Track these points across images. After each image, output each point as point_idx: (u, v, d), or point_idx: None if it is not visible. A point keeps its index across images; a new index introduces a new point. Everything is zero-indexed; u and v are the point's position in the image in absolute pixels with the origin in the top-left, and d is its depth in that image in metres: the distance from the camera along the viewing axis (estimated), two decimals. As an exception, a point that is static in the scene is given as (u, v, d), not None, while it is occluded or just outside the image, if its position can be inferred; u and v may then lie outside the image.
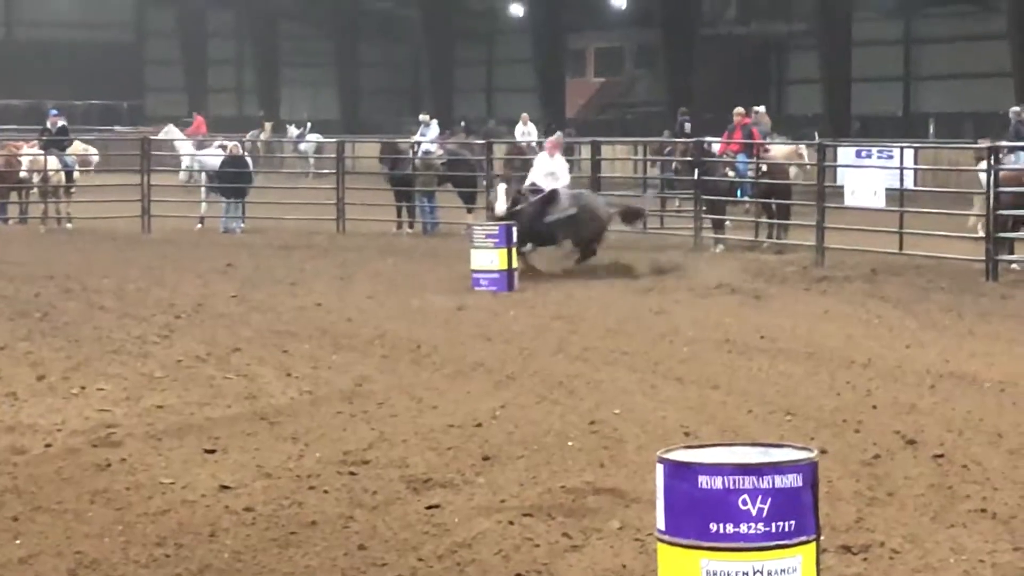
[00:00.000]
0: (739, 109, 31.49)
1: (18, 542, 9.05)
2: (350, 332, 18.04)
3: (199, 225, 34.29)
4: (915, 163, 31.94)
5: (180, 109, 70.54)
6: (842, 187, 29.37)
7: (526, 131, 42.87)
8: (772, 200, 28.99)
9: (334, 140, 40.32)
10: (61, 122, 38.44)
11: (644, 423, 12.47)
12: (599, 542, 8.91)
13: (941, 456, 11.34)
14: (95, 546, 8.94)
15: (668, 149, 36.20)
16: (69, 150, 36.62)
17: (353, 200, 34.07)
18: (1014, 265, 23.95)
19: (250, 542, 9.09)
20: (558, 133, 34.96)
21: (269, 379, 14.73)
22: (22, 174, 34.32)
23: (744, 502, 6.72)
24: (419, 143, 36.25)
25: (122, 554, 8.79)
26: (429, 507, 9.80)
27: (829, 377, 14.82)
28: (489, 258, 22.66)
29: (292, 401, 13.67)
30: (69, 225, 34.35)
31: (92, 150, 39.93)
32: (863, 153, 34.40)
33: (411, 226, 33.30)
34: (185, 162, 37.63)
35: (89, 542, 9.03)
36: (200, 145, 41.16)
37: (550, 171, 25.92)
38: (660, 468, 6.87)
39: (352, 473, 10.73)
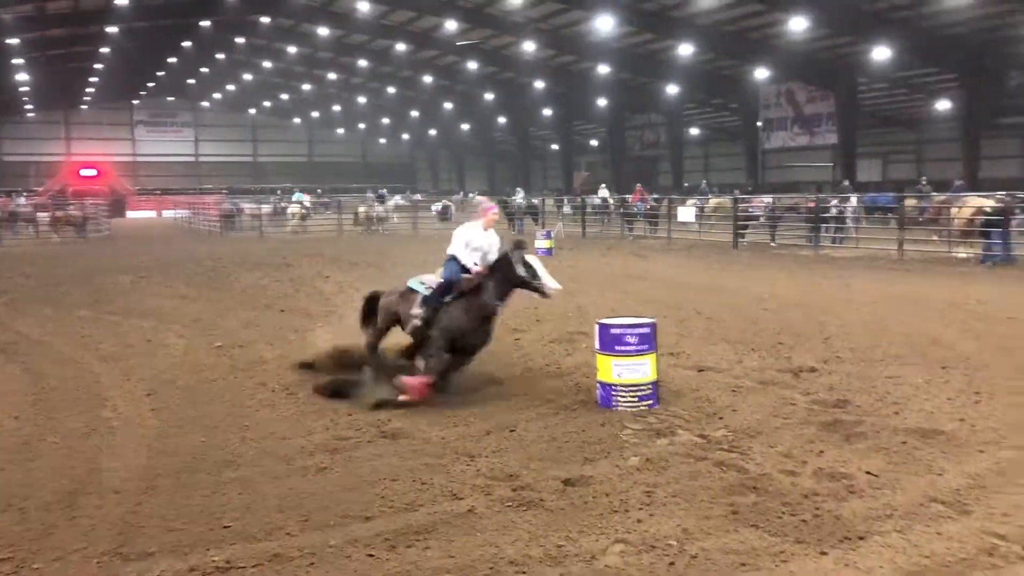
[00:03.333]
0: (638, 184, 31.16)
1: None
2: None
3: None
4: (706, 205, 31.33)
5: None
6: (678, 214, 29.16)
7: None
8: (651, 218, 28.66)
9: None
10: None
11: (600, 302, 11.82)
12: (577, 352, 8.70)
13: (710, 318, 10.88)
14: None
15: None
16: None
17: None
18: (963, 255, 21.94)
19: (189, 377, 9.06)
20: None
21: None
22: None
23: (628, 337, 6.78)
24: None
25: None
26: (515, 339, 9.34)
27: (667, 288, 14.14)
28: (544, 243, 22.24)
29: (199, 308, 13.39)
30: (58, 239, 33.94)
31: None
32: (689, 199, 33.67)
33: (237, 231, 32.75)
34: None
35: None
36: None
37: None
38: (596, 327, 6.94)
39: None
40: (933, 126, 39.87)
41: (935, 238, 20.50)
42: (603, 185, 38.51)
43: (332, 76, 57.32)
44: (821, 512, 4.54)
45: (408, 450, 5.78)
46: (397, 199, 43.41)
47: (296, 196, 40.83)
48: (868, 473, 5.05)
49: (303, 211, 35.38)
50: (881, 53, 31.08)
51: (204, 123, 74.84)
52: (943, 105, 37.50)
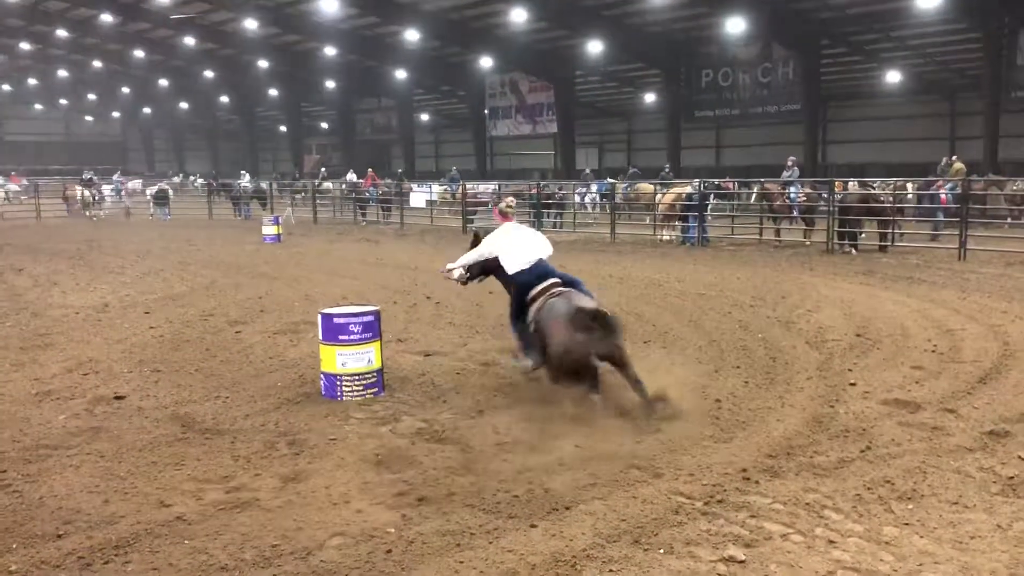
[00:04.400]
0: (369, 169, 30.89)
1: (62, 355, 8.28)
2: (211, 260, 16.77)
3: (151, 216, 31.77)
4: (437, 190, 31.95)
5: (144, 168, 65.13)
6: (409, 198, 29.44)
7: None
8: (384, 204, 28.67)
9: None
10: (90, 176, 34.85)
11: (328, 291, 11.80)
12: (303, 343, 8.55)
13: (439, 302, 11.05)
14: (95, 354, 8.29)
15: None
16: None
17: (218, 207, 32.22)
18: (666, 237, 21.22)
19: (166, 350, 8.53)
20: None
21: (176, 281, 13.64)
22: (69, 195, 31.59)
23: (352, 327, 6.72)
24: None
25: (107, 356, 8.13)
26: (236, 332, 9.32)
27: (398, 274, 14.09)
28: (270, 229, 21.54)
29: (188, 289, 12.64)
30: (94, 218, 31.01)
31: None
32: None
33: (240, 215, 31.50)
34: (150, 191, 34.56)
35: (92, 352, 8.35)
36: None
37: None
38: (320, 317, 6.82)
39: (207, 320, 10.06)
40: (641, 117, 43.39)
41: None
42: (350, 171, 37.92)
43: (25, 46, 50.75)
44: (533, 486, 4.78)
45: (108, 458, 5.34)
46: (122, 182, 39.56)
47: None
48: (576, 446, 5.36)
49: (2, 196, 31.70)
50: (595, 47, 33.24)
51: None
52: (650, 98, 41.00)
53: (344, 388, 6.64)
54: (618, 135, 47.06)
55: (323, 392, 6.74)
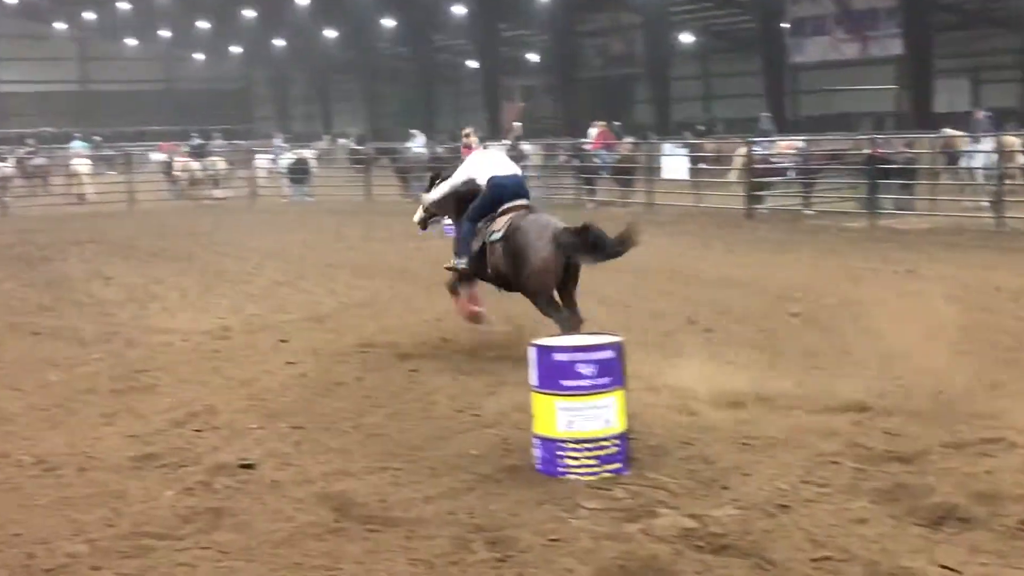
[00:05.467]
0: (598, 122, 31.59)
1: (167, 400, 9.04)
2: (370, 265, 17.91)
3: (284, 200, 34.06)
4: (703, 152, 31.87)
5: (274, 129, 70.37)
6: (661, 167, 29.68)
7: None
8: (622, 176, 29.09)
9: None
10: (199, 140, 38.19)
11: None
12: (505, 390, 8.89)
13: (710, 330, 11.47)
14: (213, 401, 8.98)
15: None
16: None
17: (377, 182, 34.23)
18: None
19: (304, 395, 9.13)
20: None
21: (320, 295, 14.69)
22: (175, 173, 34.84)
23: (580, 366, 6.82)
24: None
25: (227, 405, 8.84)
26: (410, 371, 9.82)
27: (649, 282, 14.66)
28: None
29: (333, 308, 13.61)
30: (209, 202, 33.75)
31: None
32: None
33: (409, 197, 33.09)
34: (280, 162, 37.18)
35: (211, 398, 9.03)
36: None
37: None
38: (532, 351, 6.98)
39: (365, 351, 10.72)
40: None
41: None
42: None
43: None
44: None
45: (233, 554, 5.74)
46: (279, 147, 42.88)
47: (77, 144, 40.14)
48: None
49: (87, 172, 35.51)
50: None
51: None
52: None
53: (569, 461, 6.73)
54: (1005, 57, 44.30)
55: (537, 466, 6.87)
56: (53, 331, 12.55)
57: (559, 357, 6.80)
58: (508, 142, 36.54)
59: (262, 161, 37.71)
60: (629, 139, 33.24)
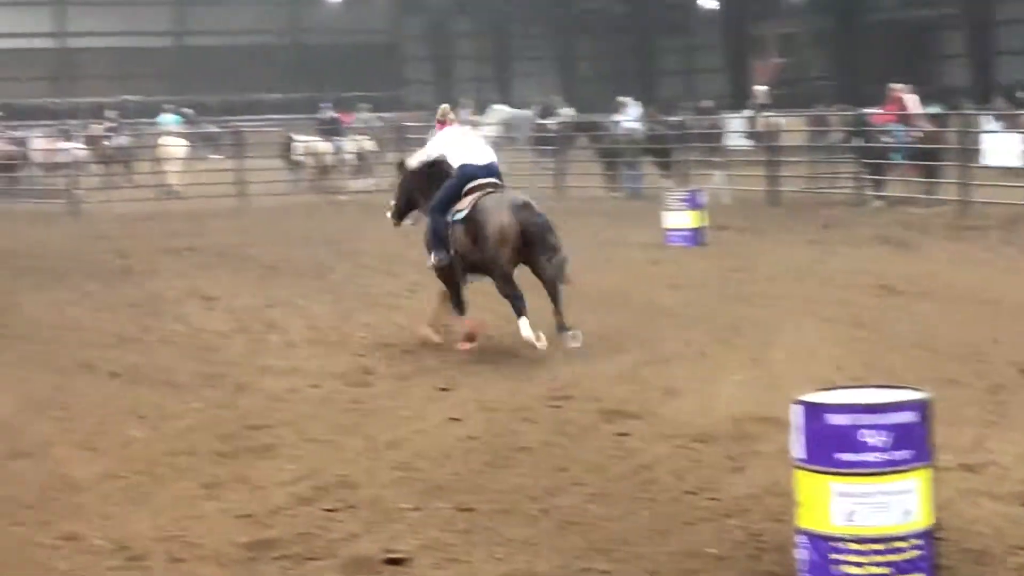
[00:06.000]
0: (895, 85, 30.99)
1: (291, 466, 9.26)
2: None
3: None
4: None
5: (431, 98, 71.42)
6: (981, 150, 29.00)
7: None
8: (924, 162, 28.55)
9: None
10: (332, 114, 39.09)
11: (799, 359, 12.34)
12: (757, 463, 8.91)
13: None
14: (350, 469, 9.15)
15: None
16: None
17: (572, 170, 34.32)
18: None
19: (472, 465, 9.25)
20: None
21: (493, 327, 14.65)
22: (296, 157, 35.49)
23: (867, 434, 6.70)
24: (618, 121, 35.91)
25: (370, 476, 8.99)
26: (618, 434, 9.85)
27: (961, 316, 14.52)
28: (680, 219, 22.57)
29: (511, 345, 13.63)
30: (343, 197, 34.39)
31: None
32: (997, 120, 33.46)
33: (617, 191, 33.13)
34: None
35: (345, 466, 9.22)
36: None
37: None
38: (798, 409, 6.89)
39: (557, 406, 10.82)
40: None
41: None
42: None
43: None
44: None
45: None
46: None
47: (167, 119, 41.26)
48: None
49: (180, 152, 36.82)
50: None
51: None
52: None
53: (850, 568, 6.63)
54: None
55: (803, 573, 6.79)
56: (138, 372, 12.91)
57: (836, 420, 6.69)
58: (751, 113, 36.44)
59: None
60: (934, 109, 32.58)
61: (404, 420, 10.59)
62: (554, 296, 13.15)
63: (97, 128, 39.87)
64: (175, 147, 36.97)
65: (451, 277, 13.72)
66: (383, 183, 34.49)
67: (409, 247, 22.13)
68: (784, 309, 15.43)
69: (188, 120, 48.02)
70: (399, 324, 15.15)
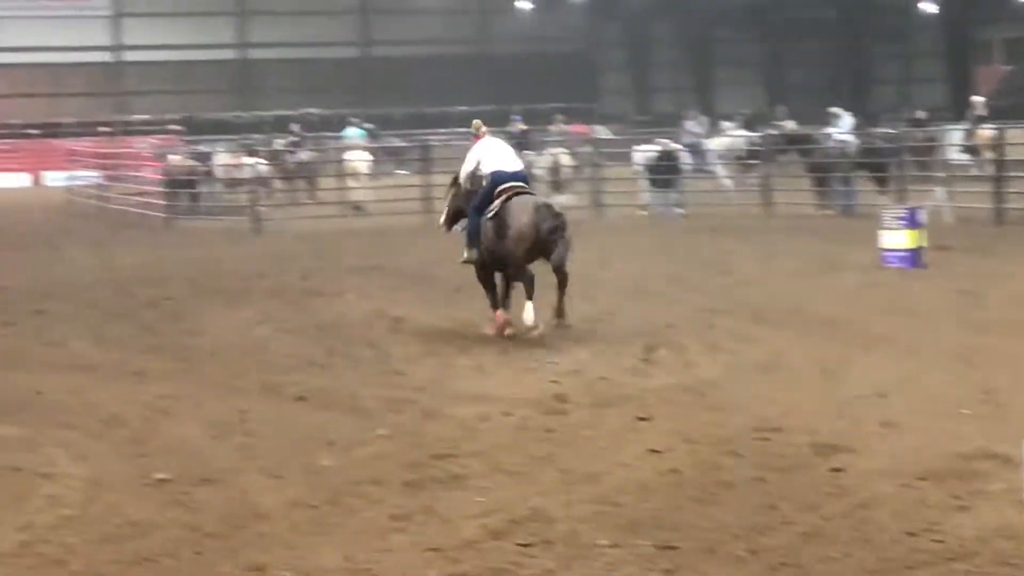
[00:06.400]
0: None
1: (480, 499, 9.31)
2: (769, 308, 17.85)
3: (642, 212, 34.35)
4: None
5: (628, 108, 71.51)
6: None
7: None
8: None
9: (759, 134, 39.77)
10: (522, 126, 39.24)
11: None
12: (985, 504, 8.72)
13: None
14: (543, 503, 9.15)
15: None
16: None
17: (781, 186, 33.94)
18: None
19: (674, 501, 9.20)
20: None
21: (696, 353, 14.75)
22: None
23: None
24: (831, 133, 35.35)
25: (565, 509, 8.98)
26: (832, 470, 9.74)
27: None
28: (898, 238, 22.21)
29: (716, 373, 13.67)
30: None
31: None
32: None
33: (828, 208, 32.67)
34: (635, 157, 37.44)
35: (538, 500, 9.22)
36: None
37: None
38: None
39: (766, 439, 10.74)
40: None
41: None
42: None
43: None
44: None
45: None
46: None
47: (352, 133, 41.77)
48: None
49: (365, 167, 37.53)
50: None
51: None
52: None
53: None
54: None
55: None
56: (324, 396, 13.12)
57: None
58: (966, 126, 35.63)
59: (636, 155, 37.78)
60: None
61: (601, 451, 10.58)
62: (562, 284, 16.07)
63: (280, 143, 40.48)
64: (360, 162, 37.38)
65: (484, 273, 16.47)
66: (583, 199, 34.77)
67: (602, 268, 22.28)
68: (1017, 337, 15.14)
69: (372, 134, 48.44)
70: (595, 350, 15.12)
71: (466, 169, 16.90)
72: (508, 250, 15.89)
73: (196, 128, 65.68)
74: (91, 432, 11.77)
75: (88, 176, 45.14)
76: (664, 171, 34.35)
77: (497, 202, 15.99)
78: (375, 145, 45.06)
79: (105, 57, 77.39)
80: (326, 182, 39.15)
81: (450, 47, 79.89)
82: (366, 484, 9.79)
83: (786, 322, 16.62)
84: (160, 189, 37.37)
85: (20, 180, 62.17)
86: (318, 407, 12.67)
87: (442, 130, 54.07)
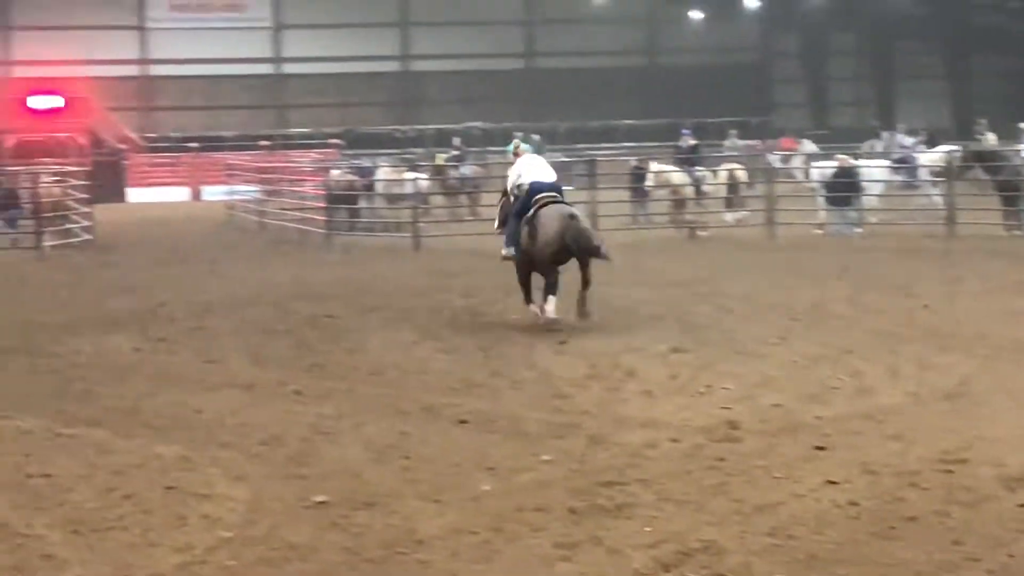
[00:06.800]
0: None
1: (648, 529, 9.29)
2: (955, 333, 17.61)
3: (818, 231, 34.05)
4: None
5: (803, 123, 70.95)
6: None
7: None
8: None
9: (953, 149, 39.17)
10: (692, 141, 39.11)
11: None
12: None
13: None
14: (714, 534, 9.11)
15: None
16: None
17: (965, 205, 33.41)
18: None
19: (853, 535, 9.12)
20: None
21: (877, 379, 14.60)
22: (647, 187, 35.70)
23: None
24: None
25: (738, 542, 8.94)
26: (1021, 505, 9.60)
27: None
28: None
29: (897, 401, 13.52)
30: (703, 233, 34.45)
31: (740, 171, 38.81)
32: None
33: (1018, 229, 32.09)
34: (812, 173, 37.17)
35: (709, 531, 9.19)
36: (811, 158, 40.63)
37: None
38: None
39: (950, 471, 10.58)
40: None
41: None
42: None
43: None
44: None
45: None
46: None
47: (519, 147, 42.27)
48: None
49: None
50: None
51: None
52: None
53: None
54: None
55: None
56: (486, 419, 13.20)
57: None
58: None
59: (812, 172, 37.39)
60: None
61: (775, 481, 10.52)
62: (586, 283, 18.71)
63: (442, 158, 40.73)
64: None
65: (521, 272, 19.36)
66: (756, 217, 34.59)
67: (775, 289, 22.13)
68: None
69: (537, 146, 48.59)
70: (768, 375, 15.02)
71: (511, 181, 19.92)
72: (538, 251, 18.77)
73: (355, 142, 66.37)
74: (249, 452, 11.97)
75: (247, 190, 45.83)
76: (842, 188, 34.07)
77: (533, 209, 18.92)
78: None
79: (265, 69, 78.52)
80: (488, 198, 39.31)
81: (618, 58, 79.66)
82: (529, 511, 9.83)
83: (972, 348, 16.37)
84: (320, 204, 37.73)
85: (179, 194, 63.12)
86: (479, 430, 12.75)
87: (608, 144, 54.02)
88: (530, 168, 19.92)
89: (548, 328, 18.35)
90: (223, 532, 9.40)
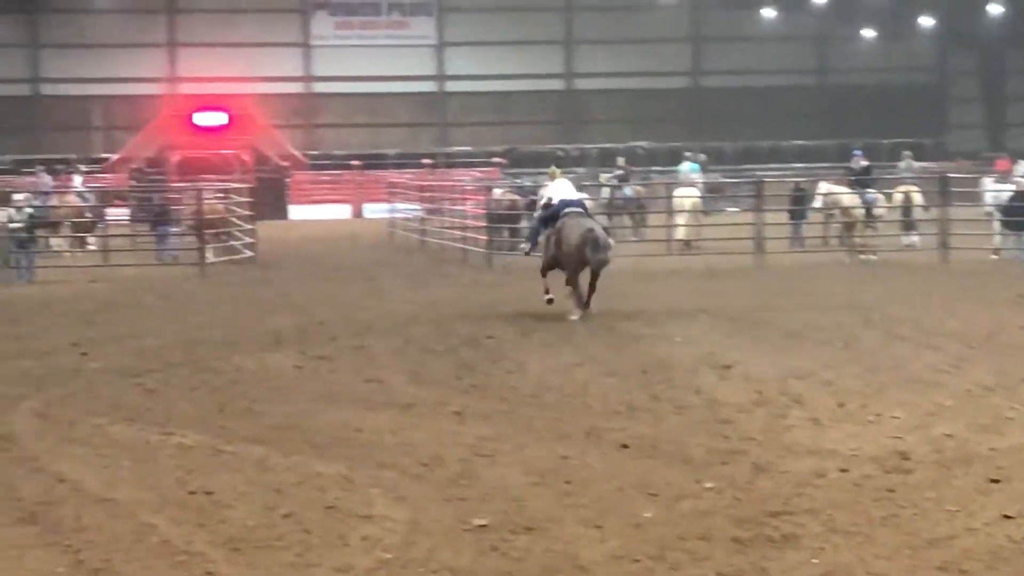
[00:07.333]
0: None
1: (815, 561, 9.21)
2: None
3: (994, 256, 33.59)
4: None
5: (979, 144, 70.04)
6: None
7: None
8: None
9: None
10: (864, 162, 38.72)
11: None
12: None
13: None
14: (884, 567, 9.01)
15: None
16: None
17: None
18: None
19: (1031, 568, 8.97)
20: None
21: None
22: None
23: None
24: None
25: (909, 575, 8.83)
26: None
27: None
28: None
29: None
30: (873, 257, 34.12)
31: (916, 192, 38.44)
32: None
33: None
34: (986, 196, 36.70)
35: (879, 564, 9.09)
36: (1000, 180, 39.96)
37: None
38: None
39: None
40: None
41: None
42: None
43: None
44: None
45: None
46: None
47: (686, 168, 42.21)
48: None
49: (689, 204, 37.56)
50: None
51: (455, 5, 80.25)
52: None
53: None
54: None
55: None
56: (648, 444, 13.13)
57: None
58: None
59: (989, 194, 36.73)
60: None
61: (948, 515, 10.36)
62: (594, 285, 22.98)
63: (606, 177, 40.79)
64: (687, 198, 37.54)
65: (545, 269, 23.54)
66: (929, 241, 34.20)
67: (948, 315, 21.83)
68: None
69: (703, 168, 48.38)
70: (941, 404, 14.78)
71: (543, 200, 24.76)
72: (563, 258, 22.96)
73: (517, 161, 66.67)
74: (409, 473, 12.05)
75: (408, 208, 46.25)
76: (1018, 212, 33.49)
77: (560, 221, 23.17)
78: (705, 180, 44.86)
79: (428, 87, 79.35)
80: (654, 218, 39.29)
81: (786, 77, 79.45)
82: (692, 539, 9.78)
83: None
84: (481, 224, 37.92)
85: (341, 211, 63.97)
86: (641, 455, 12.68)
87: (776, 165, 53.71)
88: (559, 189, 24.27)
89: (567, 319, 22.53)
90: (383, 553, 9.48)
